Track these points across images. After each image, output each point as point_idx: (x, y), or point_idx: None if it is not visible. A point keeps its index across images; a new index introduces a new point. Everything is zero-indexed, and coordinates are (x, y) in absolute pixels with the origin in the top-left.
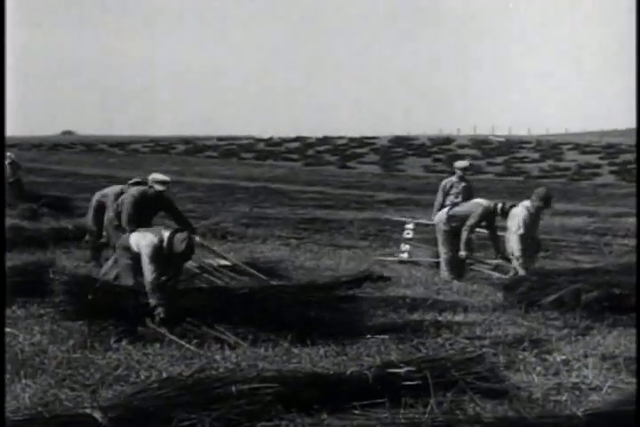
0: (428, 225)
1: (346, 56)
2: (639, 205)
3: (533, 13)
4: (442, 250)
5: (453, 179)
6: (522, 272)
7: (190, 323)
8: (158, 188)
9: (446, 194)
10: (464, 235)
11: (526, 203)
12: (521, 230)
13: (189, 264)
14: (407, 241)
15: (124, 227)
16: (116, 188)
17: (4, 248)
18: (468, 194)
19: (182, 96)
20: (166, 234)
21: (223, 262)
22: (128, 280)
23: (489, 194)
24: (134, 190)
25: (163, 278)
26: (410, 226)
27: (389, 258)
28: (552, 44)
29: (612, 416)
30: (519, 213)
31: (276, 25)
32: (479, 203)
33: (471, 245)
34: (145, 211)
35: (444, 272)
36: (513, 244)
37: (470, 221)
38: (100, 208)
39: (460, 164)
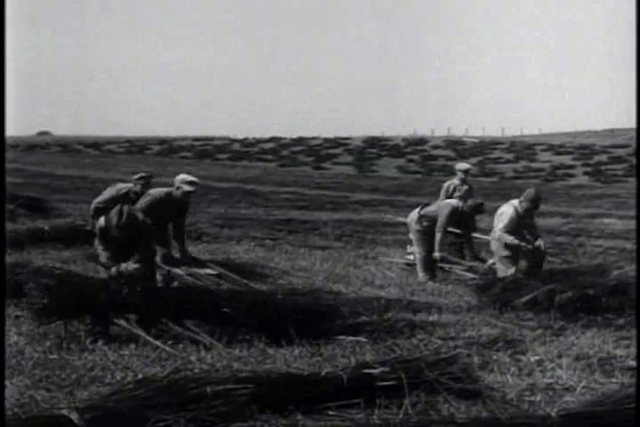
0: None
1: (320, 57)
2: (639, 206)
3: (511, 14)
4: (416, 250)
5: (455, 181)
6: (502, 273)
7: (165, 324)
8: (187, 188)
9: (449, 197)
10: (438, 236)
11: (514, 202)
12: (506, 228)
13: (177, 271)
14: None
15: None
16: (118, 186)
17: (3, 249)
18: (470, 197)
19: (159, 96)
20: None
21: (209, 271)
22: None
23: None
24: (156, 191)
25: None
26: None
27: (397, 260)
28: (526, 45)
29: (586, 417)
30: (506, 211)
31: (252, 25)
32: (449, 202)
33: (445, 246)
34: (163, 215)
35: (420, 273)
36: (497, 242)
37: (441, 221)
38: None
39: (461, 166)
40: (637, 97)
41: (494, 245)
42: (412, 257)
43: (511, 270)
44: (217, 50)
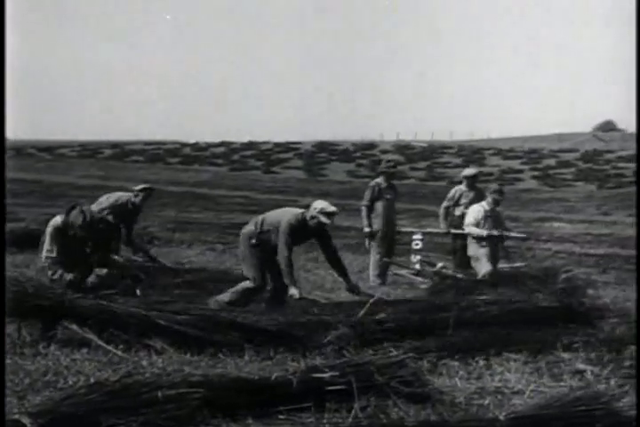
0: (437, 234)
1: (270, 61)
2: (639, 209)
3: (459, 17)
4: (372, 253)
5: (462, 188)
6: (482, 272)
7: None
8: (324, 220)
9: (456, 204)
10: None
11: (482, 202)
12: (473, 222)
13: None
14: (417, 252)
15: (285, 265)
16: (116, 195)
17: (3, 248)
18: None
19: (110, 100)
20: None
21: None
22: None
23: (414, 198)
24: (290, 216)
25: (69, 278)
26: (418, 236)
27: (405, 271)
28: (476, 49)
29: (535, 420)
30: (473, 209)
31: (203, 25)
32: (375, 180)
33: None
34: (294, 239)
35: (372, 277)
36: (473, 245)
37: (365, 196)
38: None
39: (468, 172)
40: (637, 99)
41: (472, 249)
42: (417, 266)
43: (489, 269)
44: (167, 52)
